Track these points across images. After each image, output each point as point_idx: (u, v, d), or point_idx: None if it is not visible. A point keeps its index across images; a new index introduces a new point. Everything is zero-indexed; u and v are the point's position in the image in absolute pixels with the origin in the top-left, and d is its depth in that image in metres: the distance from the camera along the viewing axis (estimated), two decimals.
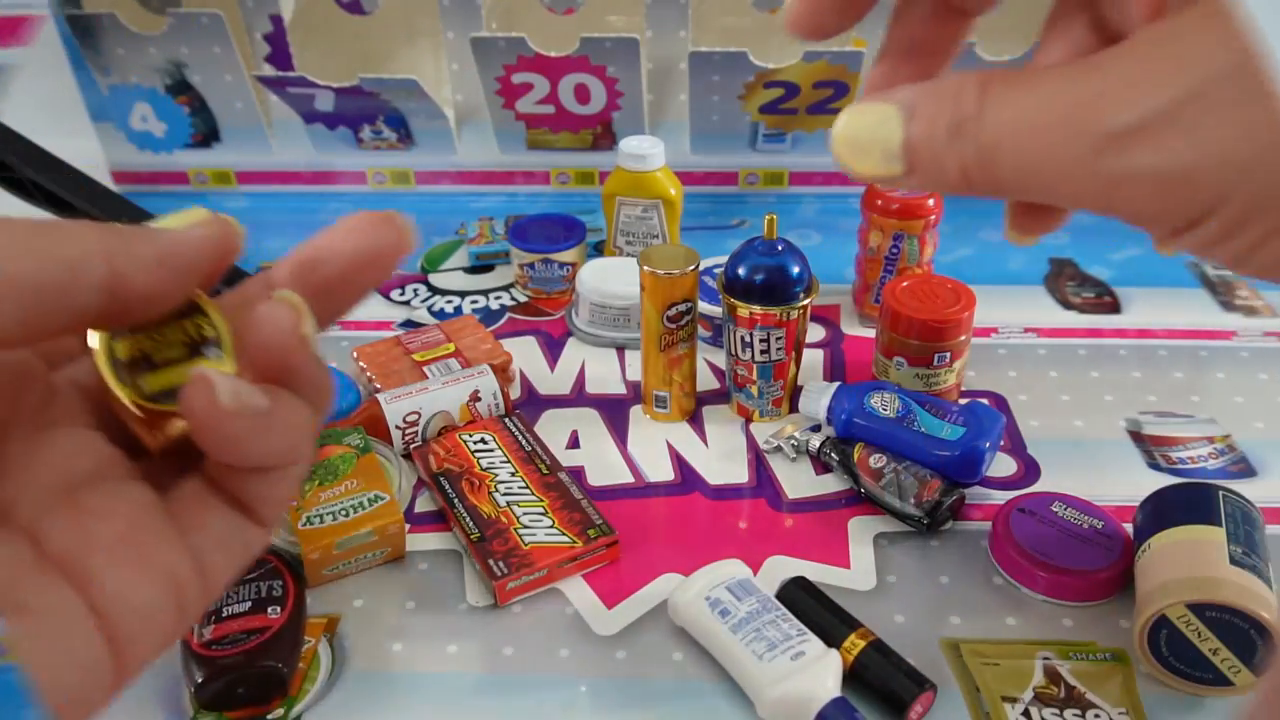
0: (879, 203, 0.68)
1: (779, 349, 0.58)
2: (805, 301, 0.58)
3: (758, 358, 0.59)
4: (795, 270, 0.57)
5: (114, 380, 0.25)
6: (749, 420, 0.62)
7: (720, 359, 0.67)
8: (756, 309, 0.58)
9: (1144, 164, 0.19)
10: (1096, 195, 0.20)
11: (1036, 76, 0.21)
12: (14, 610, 0.21)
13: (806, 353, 0.72)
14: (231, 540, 0.24)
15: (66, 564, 0.22)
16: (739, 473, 0.60)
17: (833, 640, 0.46)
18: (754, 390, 0.60)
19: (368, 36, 0.86)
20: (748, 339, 0.58)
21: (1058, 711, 0.45)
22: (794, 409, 0.62)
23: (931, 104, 0.22)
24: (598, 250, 0.81)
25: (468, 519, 0.54)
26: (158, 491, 0.25)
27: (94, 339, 0.25)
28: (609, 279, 0.70)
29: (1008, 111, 0.21)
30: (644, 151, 0.72)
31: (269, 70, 0.86)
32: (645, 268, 0.57)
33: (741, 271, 0.58)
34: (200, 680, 0.45)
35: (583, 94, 0.83)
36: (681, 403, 0.62)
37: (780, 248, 0.58)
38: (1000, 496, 0.56)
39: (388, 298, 0.77)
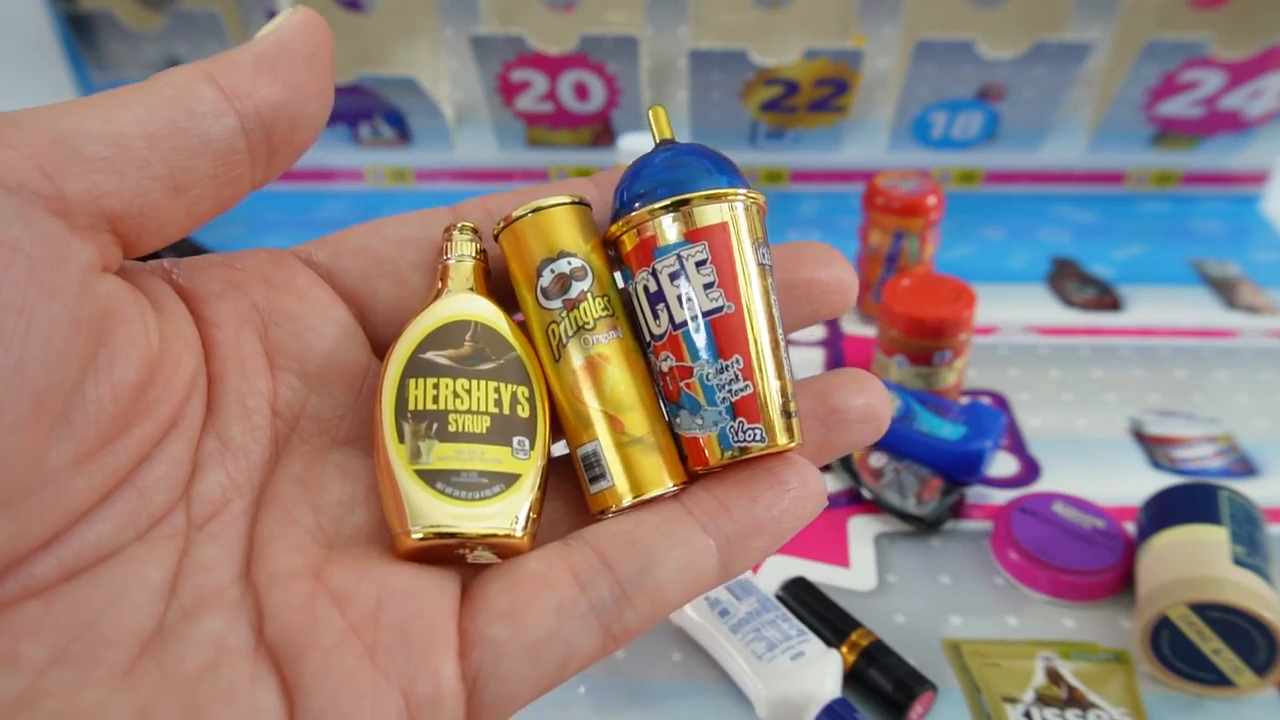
0: (880, 201, 0.67)
1: (710, 288, 0.24)
2: (737, 190, 0.25)
3: (677, 315, 0.24)
4: (712, 158, 0.26)
5: (395, 443, 0.21)
6: (701, 469, 0.24)
7: None
8: (656, 216, 0.25)
9: None
10: None
11: None
12: (210, 705, 0.17)
13: (806, 352, 0.72)
14: (563, 633, 0.20)
15: (280, 658, 0.18)
16: None
17: (833, 640, 0.46)
18: (697, 393, 0.24)
19: (366, 34, 0.85)
20: (653, 286, 0.25)
21: (1059, 712, 0.44)
22: (788, 414, 0.24)
23: None
24: None
25: None
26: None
27: (390, 368, 0.21)
28: None
29: None
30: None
31: None
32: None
33: (639, 186, 0.25)
34: None
35: (582, 91, 0.83)
36: (636, 456, 0.24)
37: (687, 146, 0.27)
38: (1001, 496, 0.56)
39: None
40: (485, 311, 0.24)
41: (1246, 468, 0.58)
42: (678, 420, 0.25)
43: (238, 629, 0.18)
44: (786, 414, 0.24)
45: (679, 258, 0.24)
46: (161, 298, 0.20)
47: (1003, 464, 0.59)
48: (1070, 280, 0.77)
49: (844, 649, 0.46)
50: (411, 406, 0.21)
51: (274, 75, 0.20)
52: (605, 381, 0.24)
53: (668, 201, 0.24)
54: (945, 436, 0.56)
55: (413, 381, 0.21)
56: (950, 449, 0.55)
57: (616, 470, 0.24)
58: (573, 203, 0.25)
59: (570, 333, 0.24)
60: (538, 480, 0.22)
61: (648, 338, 0.25)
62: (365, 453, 0.22)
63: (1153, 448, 0.60)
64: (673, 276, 0.24)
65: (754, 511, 0.23)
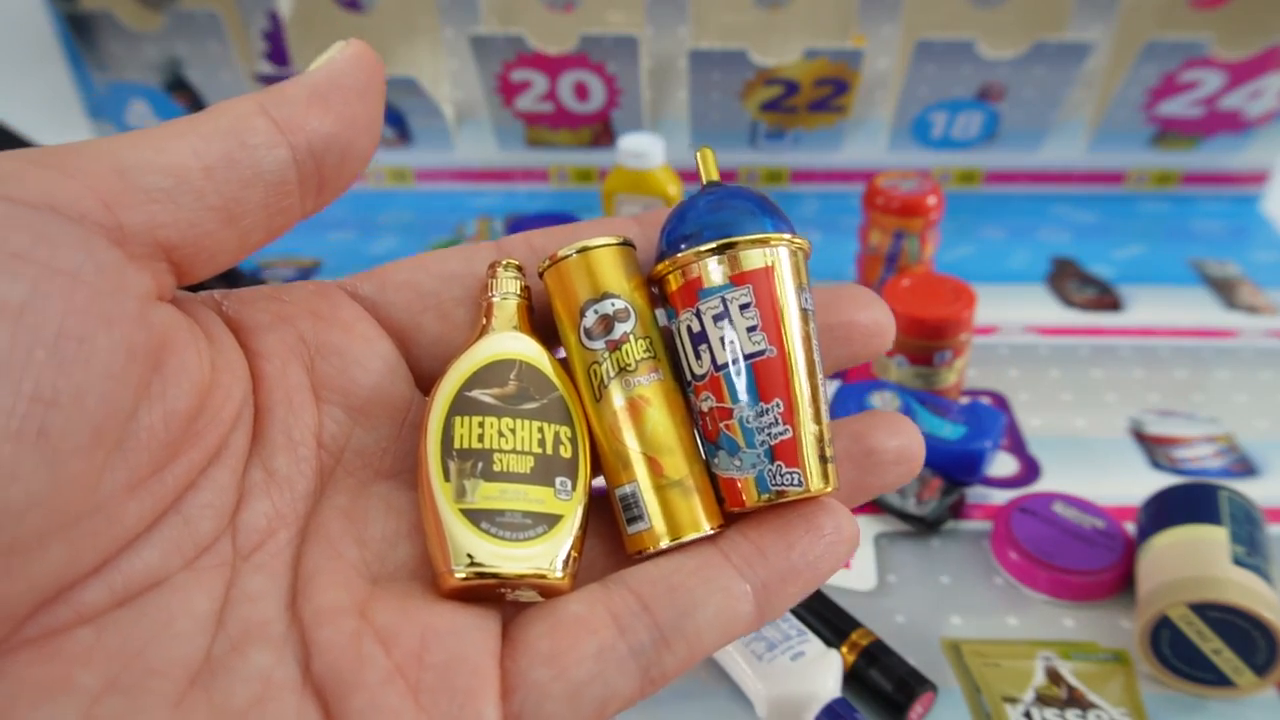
0: (880, 201, 0.67)
1: (753, 332, 0.25)
2: (781, 235, 0.25)
3: (720, 357, 0.25)
4: (757, 202, 0.26)
5: (440, 481, 0.21)
6: (737, 510, 0.25)
7: None
8: (703, 259, 0.25)
9: None
10: None
11: None
12: None
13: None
14: (602, 678, 0.20)
15: (326, 694, 0.18)
16: None
17: (833, 640, 0.46)
18: (736, 435, 0.24)
19: (366, 34, 0.85)
20: (696, 327, 0.25)
21: (1059, 712, 0.44)
22: (824, 458, 0.24)
23: None
24: None
25: None
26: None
27: (436, 405, 0.22)
28: None
29: None
30: (644, 149, 0.72)
31: (267, 68, 0.86)
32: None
33: (685, 228, 0.26)
34: None
35: (582, 91, 0.83)
36: (674, 499, 0.24)
37: (733, 188, 0.27)
38: (1001, 496, 0.56)
39: None
40: (529, 350, 0.24)
41: (1246, 468, 0.58)
42: (716, 461, 0.25)
43: (284, 664, 0.18)
44: (823, 458, 0.24)
45: (723, 300, 0.25)
46: (212, 328, 0.21)
47: (1003, 464, 0.59)
48: (1070, 280, 0.77)
49: (844, 649, 0.46)
50: (457, 445, 0.21)
51: (326, 108, 0.20)
52: (646, 423, 0.24)
53: (714, 244, 0.25)
54: (945, 436, 0.56)
55: (458, 419, 0.22)
56: (950, 449, 0.55)
57: (654, 512, 0.24)
58: (618, 244, 0.25)
59: (612, 374, 0.24)
60: (579, 521, 0.23)
61: (689, 377, 0.25)
62: (408, 486, 0.22)
63: (1153, 448, 0.60)
64: (716, 318, 0.25)
65: (790, 557, 0.23)
